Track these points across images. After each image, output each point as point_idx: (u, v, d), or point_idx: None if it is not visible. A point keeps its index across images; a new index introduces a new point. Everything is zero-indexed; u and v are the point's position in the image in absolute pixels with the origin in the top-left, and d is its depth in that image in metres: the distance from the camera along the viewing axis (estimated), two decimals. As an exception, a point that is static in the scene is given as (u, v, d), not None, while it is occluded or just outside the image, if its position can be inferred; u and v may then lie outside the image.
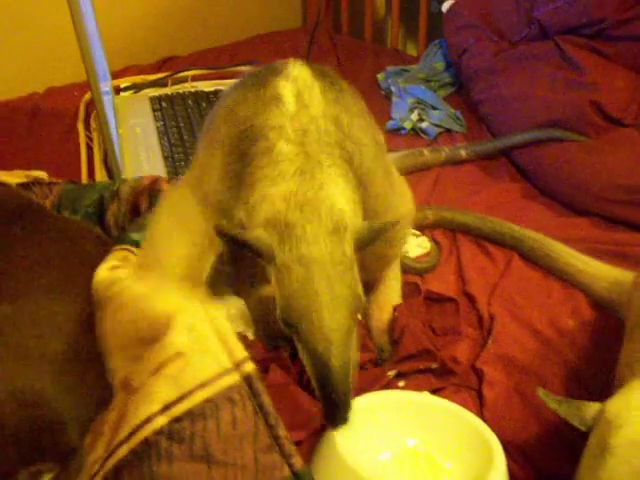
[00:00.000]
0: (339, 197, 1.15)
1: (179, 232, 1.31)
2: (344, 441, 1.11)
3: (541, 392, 1.02)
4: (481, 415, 1.31)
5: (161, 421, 0.95)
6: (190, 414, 0.94)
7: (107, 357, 1.13)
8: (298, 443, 1.18)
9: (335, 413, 1.07)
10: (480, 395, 1.38)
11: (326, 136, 1.19)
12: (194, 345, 0.99)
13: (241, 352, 0.99)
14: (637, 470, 0.87)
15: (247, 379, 0.97)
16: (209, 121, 1.37)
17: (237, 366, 0.98)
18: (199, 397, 0.95)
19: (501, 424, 1.29)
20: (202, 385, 0.96)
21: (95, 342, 1.17)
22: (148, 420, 0.96)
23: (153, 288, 1.12)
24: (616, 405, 0.95)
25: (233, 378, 0.97)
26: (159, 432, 0.95)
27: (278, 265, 1.09)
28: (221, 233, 1.13)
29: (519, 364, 1.42)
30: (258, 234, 1.10)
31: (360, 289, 1.13)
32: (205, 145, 1.33)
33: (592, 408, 0.98)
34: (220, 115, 1.30)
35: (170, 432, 0.94)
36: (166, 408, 0.95)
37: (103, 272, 1.19)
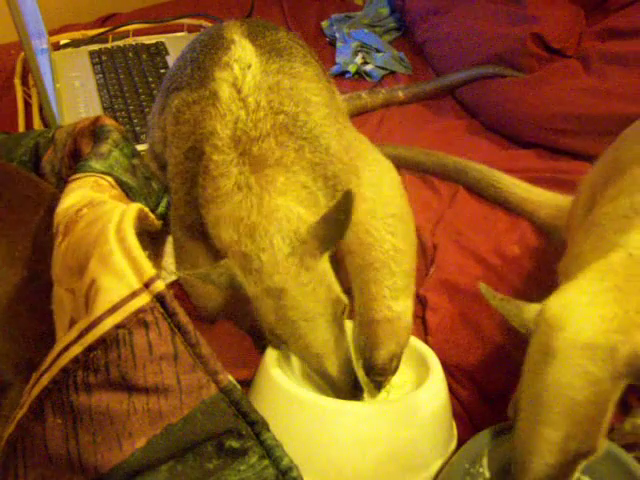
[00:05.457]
0: (286, 198, 1.10)
1: None
2: (282, 367, 1.10)
3: (483, 287, 0.98)
4: (426, 341, 1.29)
5: (76, 350, 0.91)
6: (103, 342, 0.90)
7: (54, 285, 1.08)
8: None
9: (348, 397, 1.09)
10: (424, 322, 1.37)
11: (259, 112, 1.15)
12: (102, 267, 0.93)
13: (150, 270, 0.92)
14: (581, 370, 0.87)
15: (159, 298, 0.91)
16: (161, 102, 1.35)
17: (146, 286, 0.91)
18: (109, 323, 0.90)
19: (446, 348, 1.29)
20: (111, 310, 0.90)
21: (28, 281, 1.14)
22: (66, 348, 0.92)
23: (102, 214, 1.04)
24: (554, 307, 0.92)
25: (143, 299, 0.91)
26: (75, 361, 0.91)
27: (250, 296, 1.08)
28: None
29: (463, 290, 1.42)
30: (224, 266, 1.08)
31: (337, 290, 1.09)
32: (170, 169, 1.30)
33: (532, 309, 0.95)
34: (170, 127, 1.27)
35: (86, 361, 0.90)
36: (80, 336, 0.91)
37: (72, 199, 1.12)
